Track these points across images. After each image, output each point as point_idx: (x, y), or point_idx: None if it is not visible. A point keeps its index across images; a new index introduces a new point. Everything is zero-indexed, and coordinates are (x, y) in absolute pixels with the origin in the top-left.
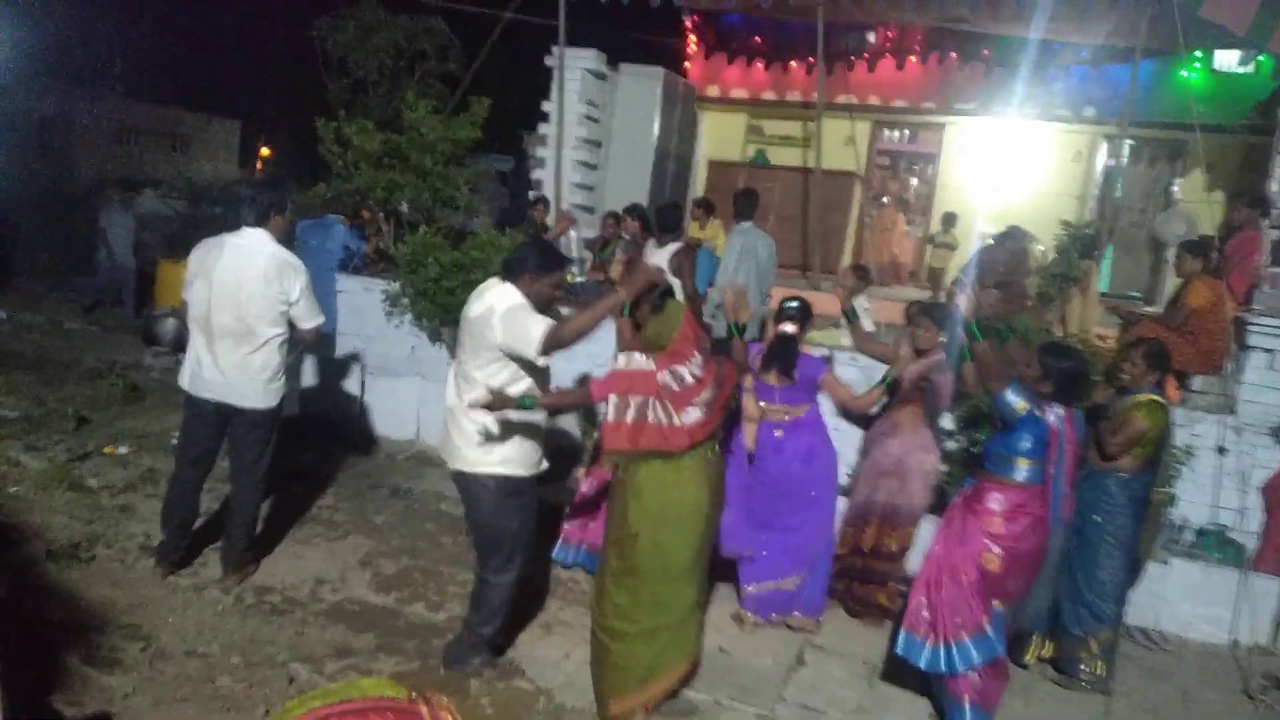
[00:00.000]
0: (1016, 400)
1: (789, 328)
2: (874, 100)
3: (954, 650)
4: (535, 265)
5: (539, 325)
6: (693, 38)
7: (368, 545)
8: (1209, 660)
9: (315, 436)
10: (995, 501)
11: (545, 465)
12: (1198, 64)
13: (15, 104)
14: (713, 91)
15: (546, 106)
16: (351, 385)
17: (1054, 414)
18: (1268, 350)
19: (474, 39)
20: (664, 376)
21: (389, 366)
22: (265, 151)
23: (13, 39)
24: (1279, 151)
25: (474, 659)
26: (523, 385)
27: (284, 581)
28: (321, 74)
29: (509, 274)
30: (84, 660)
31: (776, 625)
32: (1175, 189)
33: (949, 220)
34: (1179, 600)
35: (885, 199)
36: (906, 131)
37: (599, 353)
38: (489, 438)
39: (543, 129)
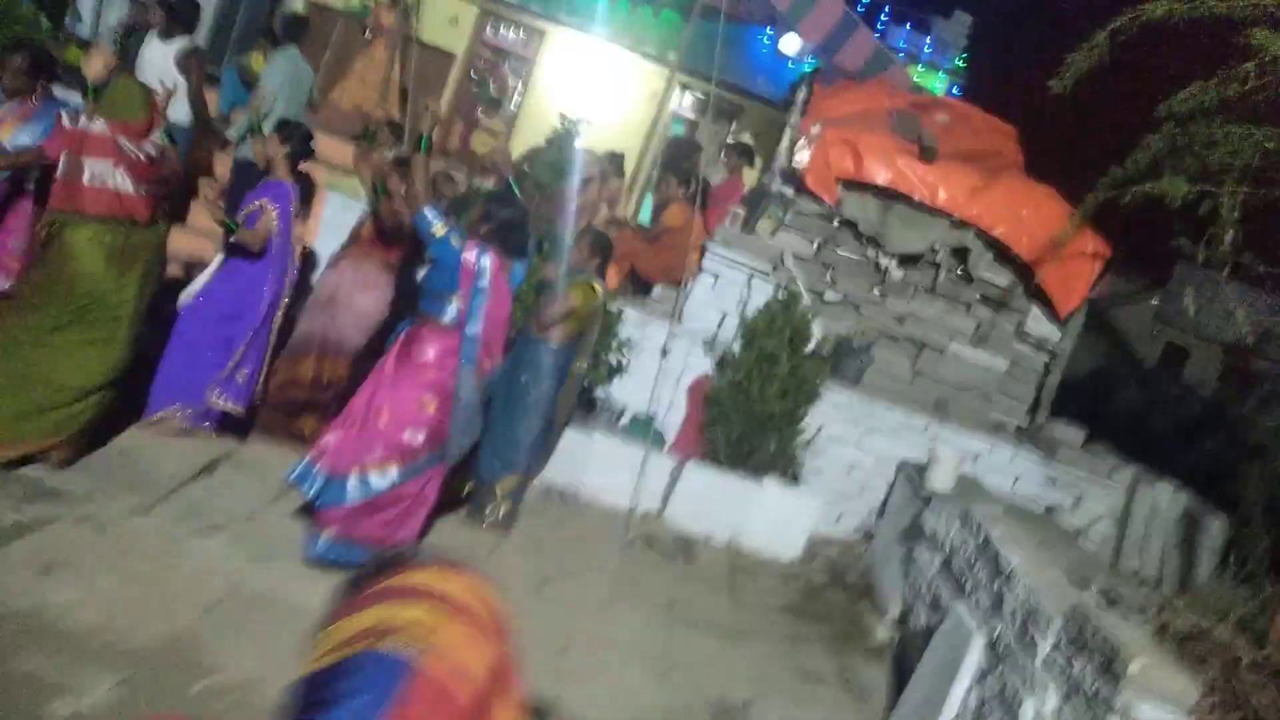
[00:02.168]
0: (435, 221)
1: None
2: None
3: (347, 484)
4: None
5: None
6: None
7: None
8: (608, 520)
9: None
10: (427, 352)
11: None
12: (768, 42)
13: None
14: None
15: None
16: None
17: (480, 254)
18: (714, 275)
19: None
20: (124, 144)
21: None
22: None
23: None
24: (790, 125)
25: None
26: None
27: None
28: None
29: None
30: None
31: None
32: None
33: (495, 106)
34: (596, 471)
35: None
36: (512, 29)
37: None
38: None
39: None
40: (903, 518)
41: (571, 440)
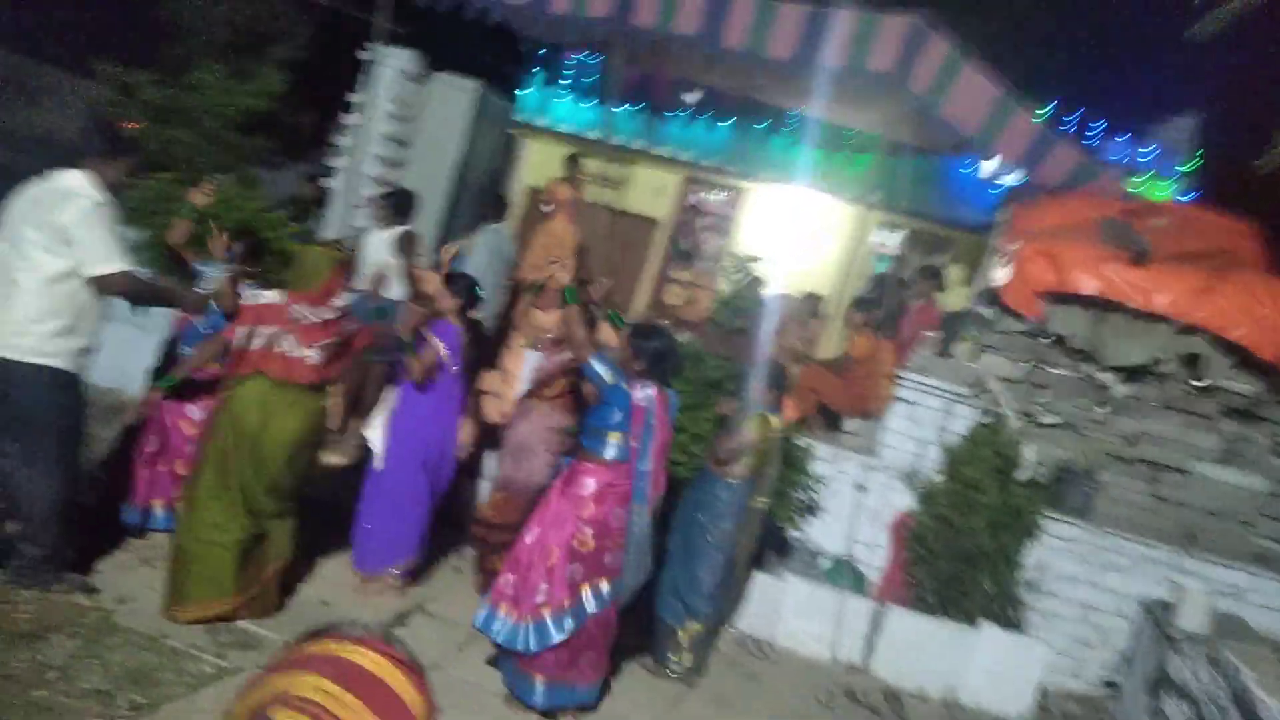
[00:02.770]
0: (604, 369)
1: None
2: (687, 156)
3: (531, 629)
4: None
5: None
6: (529, 66)
7: None
8: (806, 672)
9: None
10: (588, 485)
11: None
12: (968, 169)
13: None
14: (542, 121)
15: (354, 99)
16: None
17: (643, 392)
18: (909, 402)
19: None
20: (296, 311)
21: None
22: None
23: None
24: (991, 246)
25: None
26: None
27: None
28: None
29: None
30: None
31: (395, 587)
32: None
33: (686, 259)
34: (791, 616)
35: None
36: (714, 192)
37: None
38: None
39: (348, 120)
40: (1148, 664)
41: (763, 585)
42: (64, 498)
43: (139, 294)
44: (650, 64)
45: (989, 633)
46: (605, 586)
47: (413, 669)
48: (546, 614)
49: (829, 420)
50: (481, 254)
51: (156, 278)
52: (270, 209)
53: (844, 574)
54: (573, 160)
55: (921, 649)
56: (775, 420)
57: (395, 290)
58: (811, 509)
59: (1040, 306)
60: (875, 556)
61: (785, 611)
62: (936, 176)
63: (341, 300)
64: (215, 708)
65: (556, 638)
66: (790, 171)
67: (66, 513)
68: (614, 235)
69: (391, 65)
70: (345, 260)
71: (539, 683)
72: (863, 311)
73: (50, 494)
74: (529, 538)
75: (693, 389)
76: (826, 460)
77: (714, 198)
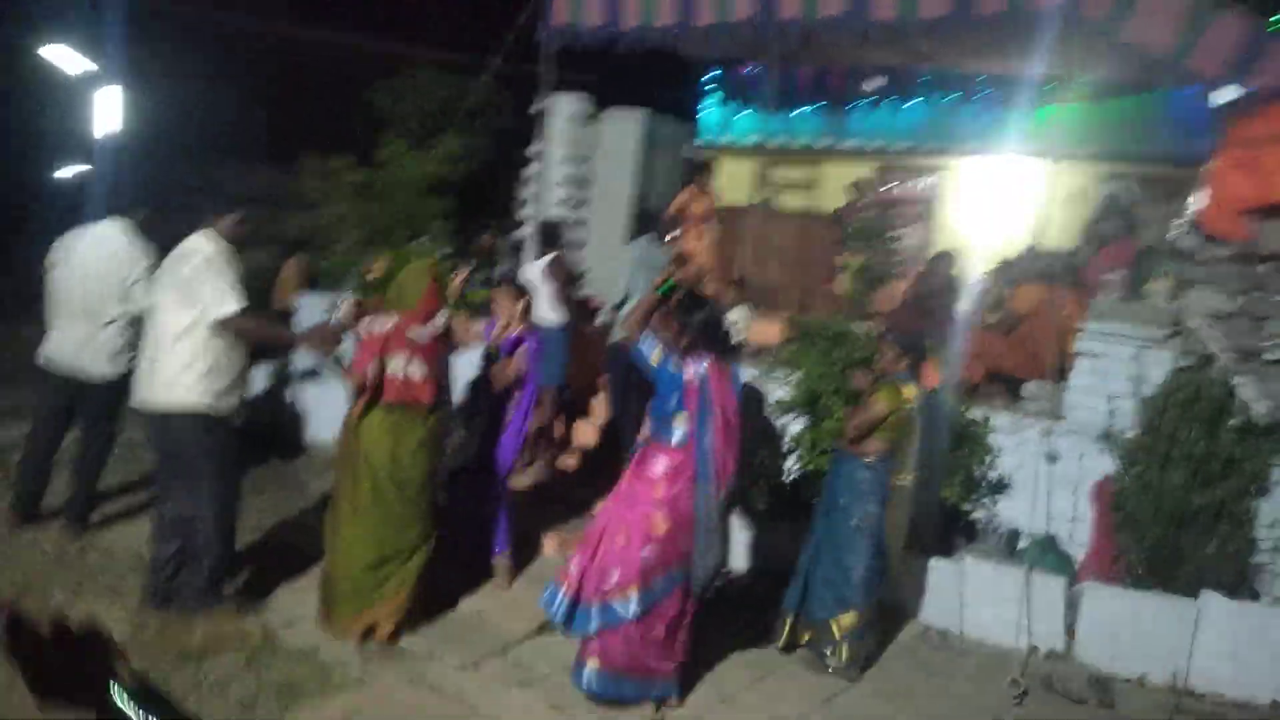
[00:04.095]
0: (650, 351)
1: None
2: (877, 144)
3: (595, 610)
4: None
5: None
6: (701, 85)
7: None
8: (997, 661)
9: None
10: (658, 467)
11: None
12: (1197, 100)
13: (172, 174)
14: (724, 138)
15: (531, 150)
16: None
17: (695, 368)
18: (1095, 355)
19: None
20: (409, 333)
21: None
22: None
23: (168, 119)
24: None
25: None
26: None
27: None
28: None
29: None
30: None
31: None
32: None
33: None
34: (975, 602)
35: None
36: (907, 173)
37: None
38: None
39: (529, 171)
40: None
41: (940, 570)
42: (225, 528)
43: (256, 334)
44: (811, 57)
45: (1215, 604)
46: (676, 571)
47: None
48: (614, 597)
49: (1005, 387)
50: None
51: (274, 323)
52: (453, 261)
53: (1045, 553)
54: (699, 169)
55: (1133, 629)
56: (910, 390)
57: (545, 311)
58: (997, 486)
59: (1247, 226)
60: (1079, 531)
61: (968, 598)
62: (1158, 113)
63: (441, 316)
64: (341, 714)
65: (623, 618)
66: (990, 139)
67: (227, 541)
68: (807, 238)
69: (561, 112)
70: (440, 275)
71: (590, 667)
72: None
73: (210, 526)
74: (601, 520)
75: (837, 370)
76: (1006, 431)
77: (910, 182)
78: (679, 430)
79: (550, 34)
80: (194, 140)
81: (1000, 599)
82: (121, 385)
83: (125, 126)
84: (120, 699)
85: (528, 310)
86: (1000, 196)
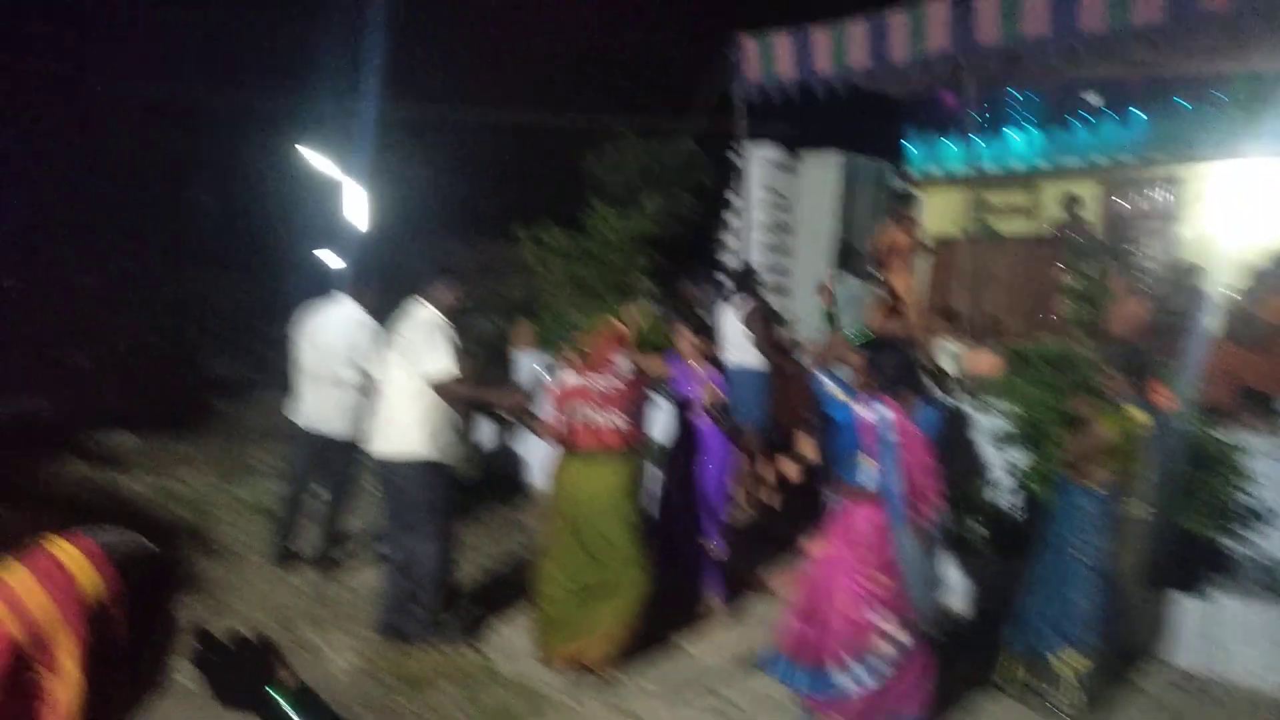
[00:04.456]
0: (832, 387)
1: None
2: (1101, 159)
3: (824, 675)
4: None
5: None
6: (906, 118)
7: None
8: (1254, 709)
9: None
10: (858, 519)
11: None
12: None
13: (404, 250)
14: (936, 170)
15: (732, 199)
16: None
17: (879, 408)
18: None
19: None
20: (592, 382)
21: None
22: None
23: (402, 201)
24: None
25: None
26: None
27: None
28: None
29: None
30: None
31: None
32: None
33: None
34: (1235, 644)
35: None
36: (1136, 187)
37: None
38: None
39: (731, 220)
40: None
41: (1192, 611)
42: (444, 565)
43: (464, 396)
44: (1017, 78)
45: None
46: (898, 623)
47: (102, 558)
48: (837, 660)
49: (1259, 405)
50: (839, 305)
51: (483, 384)
52: (656, 311)
53: None
54: (902, 203)
55: None
56: (1138, 414)
57: (743, 355)
58: (1253, 514)
59: None
60: None
61: (1224, 639)
62: None
63: (625, 363)
64: None
65: (851, 688)
66: (1228, 144)
67: (446, 577)
68: (1028, 263)
69: (759, 161)
70: (626, 324)
71: None
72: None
73: (432, 562)
74: (813, 579)
75: (1059, 397)
76: (1266, 454)
77: (1142, 195)
78: (866, 472)
79: (744, 89)
80: (426, 218)
81: (1261, 640)
82: (357, 440)
83: (366, 211)
84: (280, 702)
85: (708, 348)
86: (1243, 203)
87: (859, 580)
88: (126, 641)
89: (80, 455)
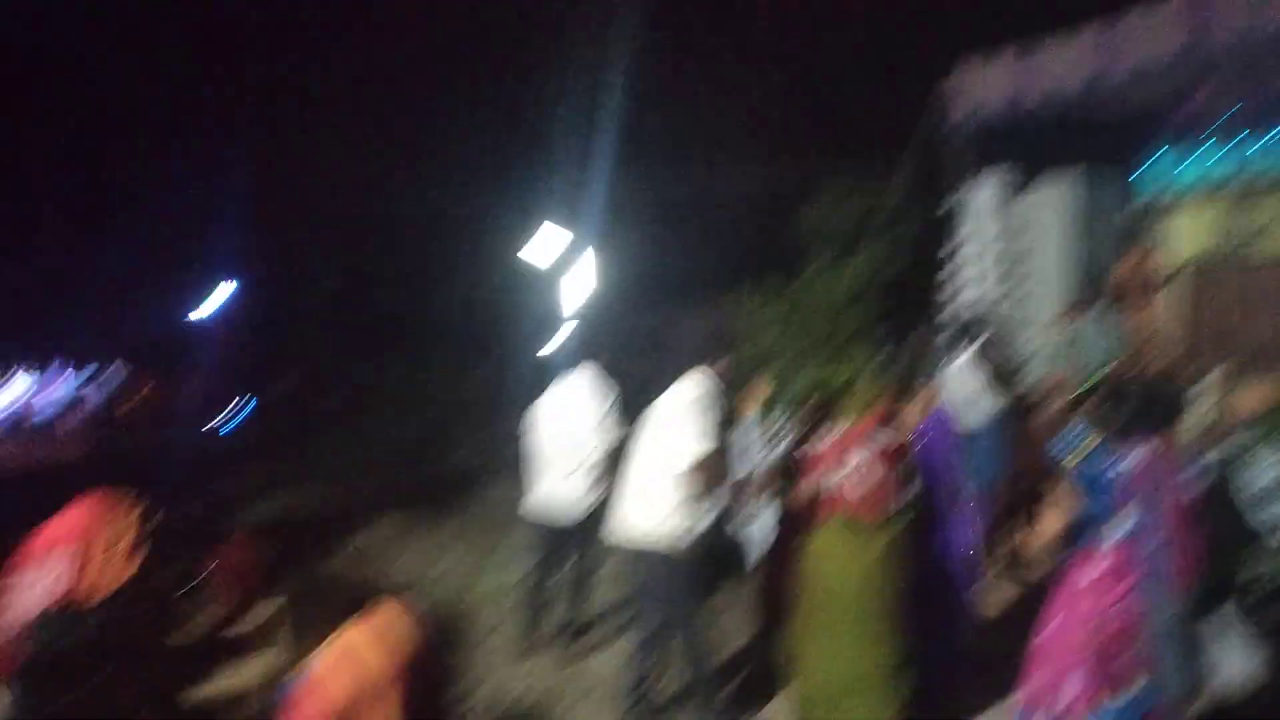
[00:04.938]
0: (1078, 442)
1: None
2: None
3: None
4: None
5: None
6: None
7: None
8: None
9: None
10: (1089, 573)
11: None
12: None
13: (633, 320)
14: (1175, 188)
15: (950, 242)
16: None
17: (1131, 457)
18: None
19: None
20: (852, 449)
21: None
22: None
23: (627, 272)
24: None
25: None
26: None
27: None
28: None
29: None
30: None
31: None
32: None
33: None
34: None
35: None
36: None
37: None
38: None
39: (957, 259)
40: None
41: None
42: (698, 651)
43: (717, 477)
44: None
45: None
46: (1128, 693)
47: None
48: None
49: None
50: (1080, 343)
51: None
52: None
53: None
54: (1143, 223)
55: None
56: None
57: (973, 408)
58: None
59: None
60: None
61: None
62: None
63: (887, 432)
64: None
65: None
66: None
67: (703, 663)
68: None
69: (981, 195)
70: (882, 395)
71: None
72: None
73: (686, 650)
74: (1046, 631)
75: None
76: None
77: None
78: (1115, 529)
79: (965, 117)
80: (652, 287)
81: None
82: (593, 523)
83: (591, 285)
84: None
85: (928, 405)
86: None
87: (1084, 632)
88: (430, 701)
89: (346, 543)
